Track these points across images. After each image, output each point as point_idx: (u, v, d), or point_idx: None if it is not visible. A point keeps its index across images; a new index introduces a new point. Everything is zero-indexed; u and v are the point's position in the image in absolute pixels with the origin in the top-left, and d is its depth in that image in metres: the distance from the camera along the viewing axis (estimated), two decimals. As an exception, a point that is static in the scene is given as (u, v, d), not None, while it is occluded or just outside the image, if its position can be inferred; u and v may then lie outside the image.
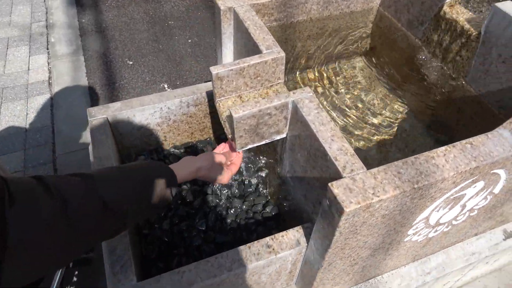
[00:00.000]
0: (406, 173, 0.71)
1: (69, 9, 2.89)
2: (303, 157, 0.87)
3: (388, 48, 1.35)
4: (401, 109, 1.27)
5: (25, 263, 0.47)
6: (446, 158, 0.73)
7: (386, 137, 1.21)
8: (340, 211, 0.66)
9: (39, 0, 2.96)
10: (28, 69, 2.35)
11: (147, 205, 0.70)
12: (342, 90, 1.34)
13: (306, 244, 0.89)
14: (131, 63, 2.44)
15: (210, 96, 1.22)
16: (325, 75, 1.39)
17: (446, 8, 1.12)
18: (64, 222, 0.52)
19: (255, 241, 0.88)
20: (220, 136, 1.38)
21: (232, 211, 1.17)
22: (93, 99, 2.18)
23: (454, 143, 0.76)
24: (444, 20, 1.11)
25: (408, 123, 1.21)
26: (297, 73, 1.33)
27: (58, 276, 1.13)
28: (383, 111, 1.28)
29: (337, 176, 0.73)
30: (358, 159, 0.73)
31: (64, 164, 1.83)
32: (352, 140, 1.22)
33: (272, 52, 0.96)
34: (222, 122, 0.97)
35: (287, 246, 0.88)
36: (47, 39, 2.60)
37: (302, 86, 1.34)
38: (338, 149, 0.75)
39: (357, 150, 1.18)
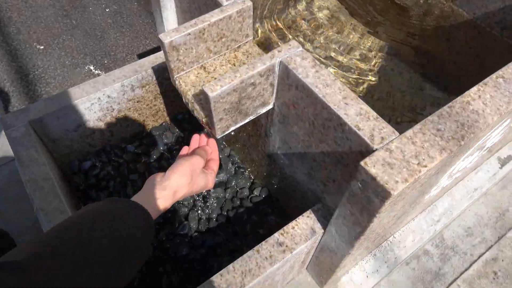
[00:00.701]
0: (446, 128, 0.56)
1: None
2: (303, 130, 0.69)
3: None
4: (380, 47, 1.13)
5: None
6: (483, 101, 0.60)
7: (369, 83, 1.07)
8: (383, 195, 0.51)
9: None
10: None
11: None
12: (312, 36, 1.16)
13: (323, 231, 0.74)
14: (41, 47, 2.03)
15: (159, 71, 0.98)
16: (288, 21, 1.19)
17: None
18: None
19: (263, 242, 0.72)
20: (176, 116, 1.15)
21: (215, 204, 0.98)
22: (5, 100, 1.79)
23: (485, 80, 0.63)
24: None
25: (392, 62, 1.08)
26: (258, 25, 1.12)
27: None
28: (363, 52, 1.12)
29: (364, 148, 0.57)
30: (385, 122, 0.57)
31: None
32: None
33: (235, 2, 0.74)
34: (188, 104, 0.76)
35: (301, 239, 0.73)
36: None
37: (270, 41, 1.14)
38: (357, 114, 0.58)
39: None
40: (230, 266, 0.69)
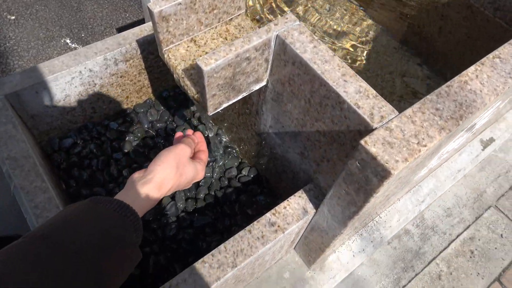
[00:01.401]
0: (445, 108, 0.56)
1: None
2: (298, 108, 0.67)
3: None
4: (371, 27, 1.11)
5: None
6: (481, 80, 0.60)
7: (360, 62, 1.05)
8: (383, 174, 0.50)
9: None
10: None
11: None
12: (303, 15, 1.13)
13: (314, 211, 0.73)
14: (13, 17, 1.91)
15: (144, 45, 0.94)
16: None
17: None
18: None
19: (255, 222, 0.71)
20: (161, 93, 1.11)
21: (202, 183, 0.96)
22: (-26, 73, 1.68)
23: (482, 60, 0.62)
24: None
25: (381, 41, 1.06)
26: None
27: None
28: (351, 33, 1.11)
29: (363, 127, 0.56)
30: (385, 101, 0.56)
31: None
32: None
33: (228, -28, 0.70)
34: (178, 80, 0.72)
35: (293, 219, 0.72)
36: None
37: (262, 16, 1.10)
38: (357, 92, 0.57)
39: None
40: (222, 246, 0.68)
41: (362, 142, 0.51)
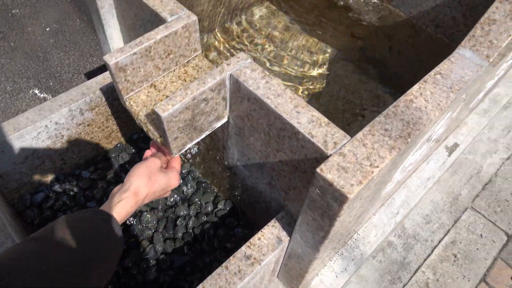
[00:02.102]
0: (393, 127, 0.59)
1: None
2: (260, 141, 0.70)
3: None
4: (326, 52, 1.16)
5: None
6: (425, 97, 0.63)
7: (319, 85, 1.10)
8: (341, 199, 0.52)
9: None
10: None
11: None
12: (259, 44, 1.17)
13: (288, 238, 0.75)
14: (-22, 73, 1.91)
15: (108, 92, 0.95)
16: (234, 33, 1.20)
17: None
18: None
19: (231, 257, 0.71)
20: (131, 136, 1.12)
21: (179, 222, 0.96)
22: None
23: (424, 78, 0.66)
24: None
25: (338, 64, 1.11)
26: (205, 38, 1.12)
27: None
28: (308, 58, 1.15)
29: (318, 155, 0.58)
30: (337, 127, 0.59)
31: None
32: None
33: (180, 17, 0.73)
34: (141, 125, 0.74)
35: (268, 249, 0.73)
36: None
37: (219, 53, 1.14)
38: (309, 122, 0.59)
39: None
40: (200, 286, 0.68)
41: (318, 170, 0.53)
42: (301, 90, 1.09)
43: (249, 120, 0.69)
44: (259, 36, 1.19)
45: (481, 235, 1.25)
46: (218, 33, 1.15)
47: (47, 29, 2.17)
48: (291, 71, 1.12)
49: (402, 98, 0.63)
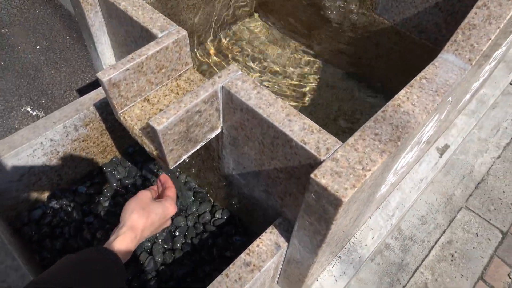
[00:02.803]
0: (383, 131, 0.61)
1: None
2: (254, 150, 0.71)
3: (280, -1, 1.23)
4: (315, 61, 1.19)
5: None
6: (412, 101, 0.66)
7: (311, 94, 1.12)
8: (336, 203, 0.54)
9: None
10: None
11: None
12: (249, 56, 1.20)
13: (287, 244, 0.76)
14: (-31, 93, 1.90)
15: (101, 108, 0.96)
16: (223, 45, 1.22)
17: None
18: None
19: (231, 265, 0.72)
20: (127, 150, 1.13)
21: (177, 233, 0.97)
22: None
23: (410, 82, 0.69)
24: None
25: (327, 73, 1.13)
26: (196, 51, 1.14)
27: None
28: (298, 68, 1.18)
29: (312, 161, 0.60)
30: (328, 134, 0.61)
31: None
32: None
33: (169, 33, 0.75)
34: (137, 138, 0.75)
35: (267, 256, 0.74)
36: None
37: (210, 65, 1.16)
38: (301, 129, 0.61)
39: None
40: (201, 296, 0.68)
41: (312, 175, 0.55)
42: (291, 100, 1.11)
43: (243, 130, 0.70)
44: (248, 48, 1.21)
45: (476, 233, 1.27)
46: (207, 47, 1.17)
47: (37, 47, 2.18)
48: (281, 82, 1.14)
49: (390, 103, 0.65)
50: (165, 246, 0.94)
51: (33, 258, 0.92)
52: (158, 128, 0.61)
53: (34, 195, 0.97)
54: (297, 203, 0.71)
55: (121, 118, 0.76)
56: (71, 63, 2.10)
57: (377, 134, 0.60)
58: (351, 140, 0.59)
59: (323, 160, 0.57)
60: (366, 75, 1.08)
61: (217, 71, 1.01)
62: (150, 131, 0.73)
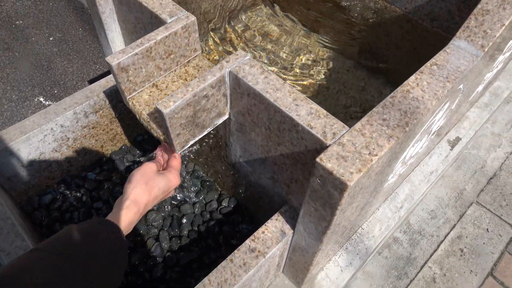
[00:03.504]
0: (391, 117, 0.60)
1: None
2: (261, 136, 0.71)
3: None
4: (325, 50, 1.18)
5: None
6: (421, 87, 0.64)
7: (320, 82, 1.11)
8: (341, 187, 0.53)
9: None
10: None
11: None
12: (257, 45, 1.19)
13: (292, 231, 0.76)
14: (-15, 83, 1.94)
15: (111, 95, 0.97)
16: (231, 34, 1.22)
17: None
18: None
19: (235, 251, 0.72)
20: (136, 138, 1.14)
21: (185, 220, 0.98)
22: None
23: (421, 69, 0.67)
24: None
25: (337, 62, 1.12)
26: (204, 39, 1.14)
27: None
28: (308, 57, 1.17)
29: (318, 146, 0.59)
30: (335, 119, 0.60)
31: None
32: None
33: (179, 18, 0.75)
34: (144, 123, 0.75)
35: (272, 242, 0.74)
36: None
37: (220, 51, 1.15)
38: (308, 114, 0.61)
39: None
40: (206, 279, 0.69)
41: (317, 159, 0.54)
42: (300, 87, 1.10)
43: (250, 116, 0.70)
44: (256, 37, 1.21)
45: (487, 229, 1.25)
46: (215, 35, 1.17)
47: (51, 39, 2.21)
48: (289, 70, 1.14)
49: (399, 88, 0.64)
50: (172, 233, 0.95)
51: (42, 241, 0.93)
52: (165, 111, 0.61)
53: (45, 180, 0.99)
54: (302, 190, 0.71)
55: (130, 103, 0.76)
56: (83, 55, 2.12)
57: (385, 119, 0.59)
58: (358, 125, 0.59)
59: (329, 145, 0.57)
60: (377, 64, 1.07)
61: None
62: (157, 116, 0.74)
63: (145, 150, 1.11)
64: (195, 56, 0.82)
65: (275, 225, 0.76)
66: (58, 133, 0.93)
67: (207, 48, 1.13)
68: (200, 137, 0.74)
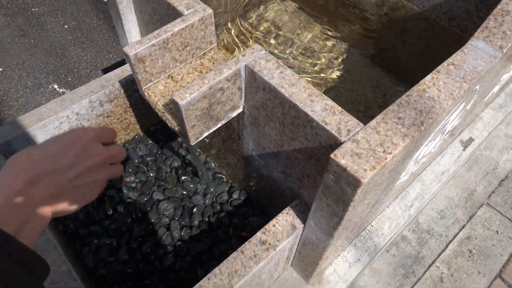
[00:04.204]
0: (406, 116, 0.60)
1: None
2: (275, 130, 0.71)
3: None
4: (339, 46, 1.17)
5: None
6: (438, 87, 0.64)
7: (333, 79, 1.11)
8: (355, 184, 0.54)
9: None
10: None
11: None
12: (272, 40, 1.19)
13: (302, 225, 0.76)
14: (0, 69, 1.97)
15: (126, 85, 0.98)
16: (247, 27, 1.22)
17: None
18: None
19: (246, 242, 0.73)
20: (149, 128, 1.15)
21: (195, 211, 0.99)
22: (-34, 126, 1.72)
23: (437, 68, 0.67)
24: None
25: (351, 59, 1.12)
26: (219, 32, 1.14)
27: None
28: (322, 53, 1.16)
29: (332, 142, 0.60)
30: (350, 115, 0.60)
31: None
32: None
33: (196, 11, 0.75)
34: (159, 114, 0.76)
35: (283, 235, 0.75)
36: None
37: (234, 46, 1.16)
38: (323, 110, 0.61)
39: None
40: (217, 269, 0.70)
41: (332, 155, 0.55)
42: (314, 83, 1.10)
43: (264, 110, 0.70)
44: (272, 31, 1.20)
45: (497, 231, 1.24)
46: (231, 28, 1.17)
47: (66, 27, 2.23)
48: (304, 66, 1.13)
49: (415, 87, 0.64)
50: (183, 223, 0.96)
51: (57, 227, 0.95)
52: (181, 102, 0.62)
53: (59, 167, 1.01)
54: (315, 185, 0.71)
55: (145, 93, 0.77)
56: (97, 43, 2.14)
57: (400, 118, 0.59)
58: (373, 122, 0.59)
59: (344, 141, 0.57)
60: (392, 62, 1.06)
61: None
62: (173, 107, 0.75)
63: (158, 140, 1.12)
64: (211, 49, 0.83)
65: (286, 218, 0.77)
66: (74, 120, 0.95)
67: (224, 41, 1.14)
68: (214, 129, 0.74)
